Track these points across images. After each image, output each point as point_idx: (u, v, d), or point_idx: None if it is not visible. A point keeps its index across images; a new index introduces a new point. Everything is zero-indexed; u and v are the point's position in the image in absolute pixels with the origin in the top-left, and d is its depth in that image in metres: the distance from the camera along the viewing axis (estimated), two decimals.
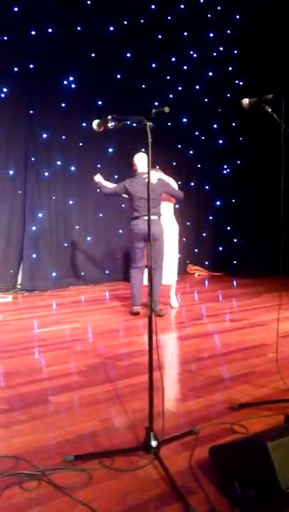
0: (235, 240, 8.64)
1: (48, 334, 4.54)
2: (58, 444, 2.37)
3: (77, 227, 7.48)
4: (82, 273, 7.52)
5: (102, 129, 2.39)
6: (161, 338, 4.17)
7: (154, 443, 2.17)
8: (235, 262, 8.53)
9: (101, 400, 2.92)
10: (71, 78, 7.18)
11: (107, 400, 2.91)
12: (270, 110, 2.51)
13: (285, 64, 7.64)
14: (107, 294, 6.85)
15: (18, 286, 6.95)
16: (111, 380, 3.28)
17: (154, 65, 7.96)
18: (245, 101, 2.58)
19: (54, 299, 6.39)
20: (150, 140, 2.17)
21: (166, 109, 2.25)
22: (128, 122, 2.36)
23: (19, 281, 7.00)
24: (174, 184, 5.53)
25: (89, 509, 1.83)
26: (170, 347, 4.18)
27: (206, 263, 8.83)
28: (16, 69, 6.69)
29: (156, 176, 5.18)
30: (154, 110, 2.23)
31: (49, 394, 3.02)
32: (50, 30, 6.83)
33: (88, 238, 7.54)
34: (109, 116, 2.33)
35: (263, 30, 7.86)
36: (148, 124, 2.18)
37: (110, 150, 7.43)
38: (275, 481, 1.65)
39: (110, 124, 2.34)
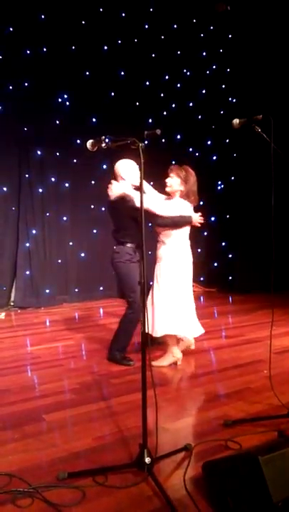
0: (230, 256, 8.66)
1: (41, 352, 4.53)
2: (51, 461, 2.36)
3: (71, 243, 7.49)
4: (76, 290, 7.52)
5: (95, 149, 2.43)
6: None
7: (147, 460, 2.17)
8: (230, 277, 8.53)
9: (94, 418, 2.91)
10: (65, 96, 7.28)
11: (101, 418, 2.91)
12: (259, 130, 2.56)
13: (275, 82, 7.78)
14: (101, 310, 6.84)
15: (12, 304, 6.92)
16: (105, 397, 3.27)
17: (147, 83, 8.09)
18: (236, 121, 2.64)
19: (47, 316, 6.37)
20: (142, 161, 2.22)
21: (158, 132, 2.30)
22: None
23: (12, 298, 6.98)
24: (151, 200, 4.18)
25: None
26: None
27: (201, 279, 8.85)
28: (10, 87, 6.78)
29: (119, 188, 4.09)
30: (146, 132, 2.28)
31: (42, 412, 3.00)
32: (44, 49, 6.94)
33: (82, 255, 7.55)
34: (103, 137, 2.37)
35: (254, 49, 8.02)
36: (140, 145, 2.23)
37: (104, 167, 7.48)
38: (267, 495, 1.65)
39: (104, 144, 2.38)
